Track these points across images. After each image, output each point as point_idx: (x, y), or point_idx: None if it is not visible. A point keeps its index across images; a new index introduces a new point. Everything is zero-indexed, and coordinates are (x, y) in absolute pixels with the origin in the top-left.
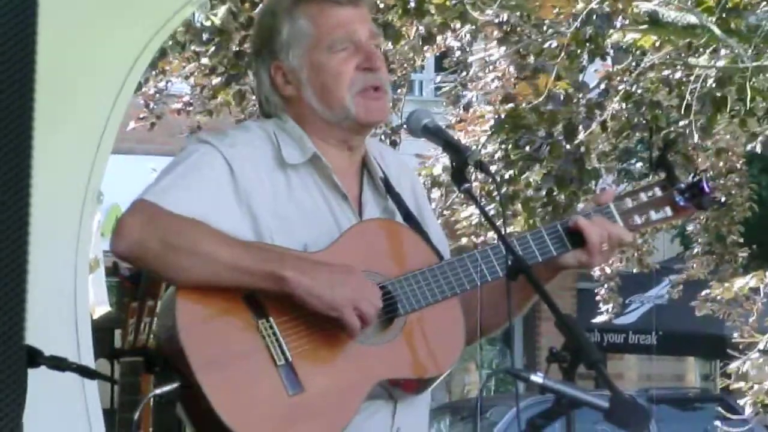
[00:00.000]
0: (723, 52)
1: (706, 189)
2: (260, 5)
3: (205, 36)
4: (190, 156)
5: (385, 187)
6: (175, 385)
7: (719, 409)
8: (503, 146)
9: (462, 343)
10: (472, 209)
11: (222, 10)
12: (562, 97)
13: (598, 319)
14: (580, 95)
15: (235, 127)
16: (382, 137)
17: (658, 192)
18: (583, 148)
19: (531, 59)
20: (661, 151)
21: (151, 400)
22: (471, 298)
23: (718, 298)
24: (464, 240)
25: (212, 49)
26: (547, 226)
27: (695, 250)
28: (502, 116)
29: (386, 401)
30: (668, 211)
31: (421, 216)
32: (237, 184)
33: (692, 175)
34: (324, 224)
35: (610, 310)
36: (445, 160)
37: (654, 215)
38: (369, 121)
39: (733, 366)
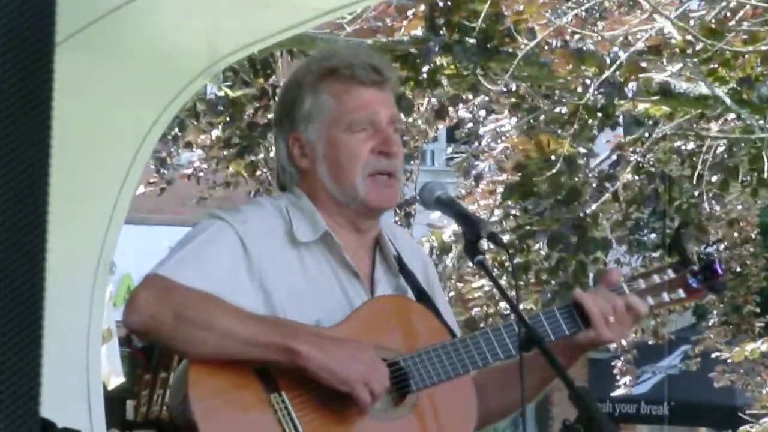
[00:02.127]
0: (734, 121)
1: (719, 271)
2: (273, 76)
3: (218, 107)
4: (203, 232)
5: (399, 265)
6: None
7: None
8: (512, 214)
9: (474, 420)
10: (484, 280)
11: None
12: (564, 159)
13: (617, 393)
14: (591, 163)
15: (248, 203)
16: (397, 209)
17: (671, 274)
18: (589, 219)
19: (542, 128)
20: (674, 230)
21: None
22: (483, 383)
23: (729, 361)
24: (475, 310)
25: (225, 120)
26: (559, 305)
27: (711, 321)
28: (512, 184)
29: None
30: (681, 293)
31: (433, 297)
32: (250, 261)
33: (705, 246)
34: (336, 301)
35: (627, 383)
36: (454, 226)
37: (666, 297)
38: (377, 206)
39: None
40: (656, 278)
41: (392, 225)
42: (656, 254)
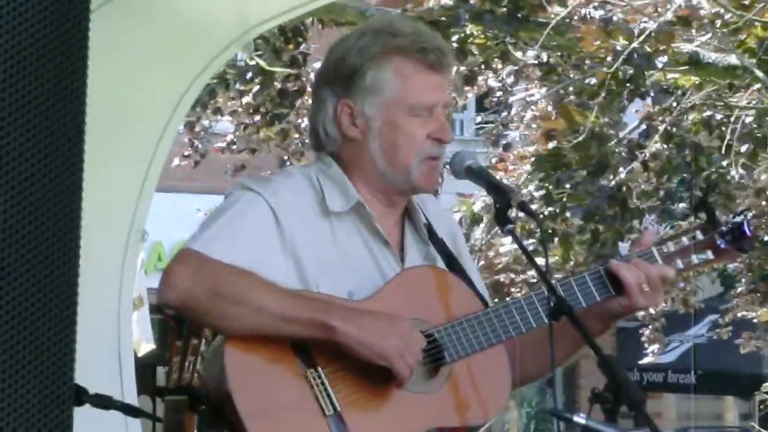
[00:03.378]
0: (764, 92)
1: (748, 232)
2: (303, 44)
3: (248, 75)
4: (235, 204)
5: (428, 233)
6: None
7: None
8: (544, 184)
9: (508, 390)
10: (512, 245)
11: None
12: (593, 132)
13: (644, 361)
14: (620, 133)
15: (278, 172)
16: None
17: (699, 235)
18: (624, 188)
19: (571, 98)
20: (702, 193)
21: None
22: (513, 346)
23: (756, 335)
24: (502, 276)
25: (256, 88)
26: (590, 270)
27: (739, 289)
28: (543, 155)
29: None
30: (710, 254)
31: (463, 264)
32: (282, 232)
33: (733, 216)
34: (367, 271)
35: (655, 351)
36: (485, 198)
37: (695, 259)
38: (426, 188)
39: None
40: (685, 240)
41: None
42: (684, 223)
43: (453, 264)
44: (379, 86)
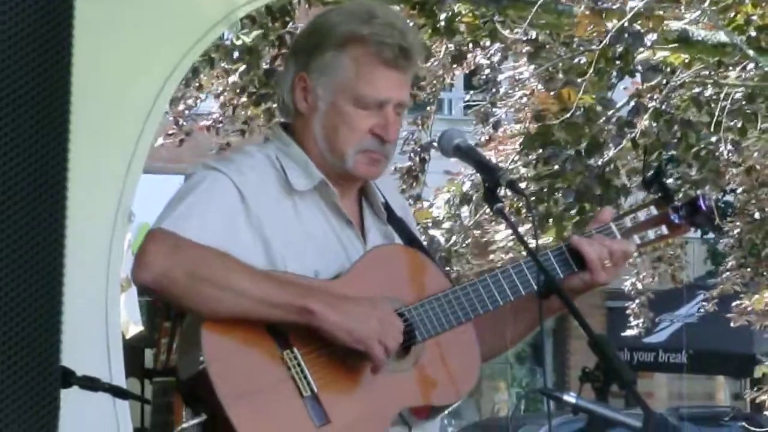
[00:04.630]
0: (753, 69)
1: (703, 207)
2: (291, 23)
3: (235, 55)
4: (200, 183)
5: (387, 212)
6: (202, 418)
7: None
8: (533, 163)
9: (478, 369)
10: (506, 232)
11: (253, 33)
12: (582, 109)
13: (628, 333)
14: (608, 112)
15: (237, 152)
16: (411, 155)
17: (653, 211)
18: (612, 165)
19: (560, 76)
20: (656, 169)
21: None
22: (479, 327)
23: (749, 309)
24: (492, 256)
25: (242, 68)
26: (552, 248)
27: (729, 264)
28: (532, 134)
29: (402, 428)
30: (664, 229)
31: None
32: (249, 211)
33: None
34: (332, 250)
35: (640, 325)
36: (474, 177)
37: (651, 234)
38: (362, 176)
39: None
40: (640, 216)
41: None
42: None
43: (413, 242)
44: (333, 69)
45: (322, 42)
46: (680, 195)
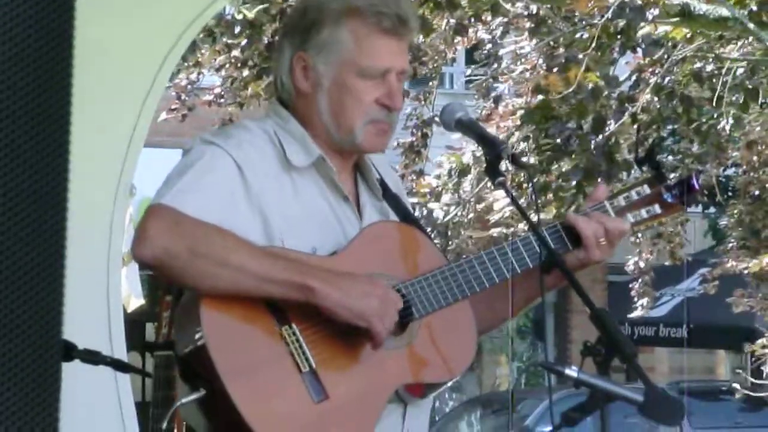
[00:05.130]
0: (755, 44)
1: (696, 186)
2: None
3: (236, 29)
4: (200, 158)
5: (382, 188)
6: (201, 393)
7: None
8: (533, 136)
9: (475, 346)
10: (504, 202)
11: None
12: (590, 88)
13: (634, 315)
14: (611, 89)
15: (235, 126)
16: (414, 130)
17: (646, 189)
18: (613, 140)
19: (561, 51)
20: (649, 148)
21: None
22: (474, 300)
23: (748, 292)
24: (495, 231)
25: (243, 42)
26: (548, 225)
27: (729, 244)
28: (532, 107)
29: (397, 404)
30: (657, 208)
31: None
32: (248, 187)
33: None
34: (329, 227)
35: (645, 304)
36: (473, 148)
37: (644, 213)
38: (371, 150)
39: (759, 342)
40: (633, 194)
41: None
42: (674, 175)
43: (409, 219)
44: (333, 44)
45: (317, 19)
46: (682, 170)
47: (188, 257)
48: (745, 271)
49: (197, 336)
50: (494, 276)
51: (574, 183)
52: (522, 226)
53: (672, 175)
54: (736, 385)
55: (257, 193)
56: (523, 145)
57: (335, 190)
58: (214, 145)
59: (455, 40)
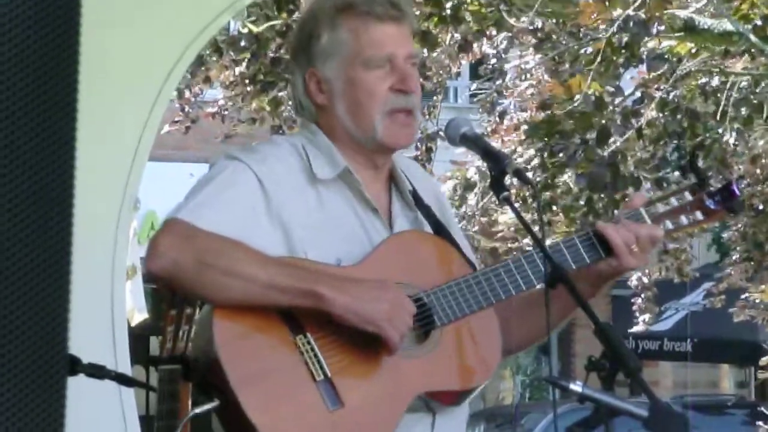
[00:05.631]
0: (759, 58)
1: (736, 192)
2: (297, 12)
3: (241, 43)
4: (221, 173)
5: (414, 199)
6: (214, 404)
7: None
8: (539, 153)
9: (499, 354)
10: (510, 215)
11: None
12: (593, 99)
13: (635, 329)
14: (615, 100)
15: (264, 142)
16: (418, 144)
17: (688, 196)
18: (619, 156)
19: (566, 66)
20: (691, 155)
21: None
22: (506, 315)
23: (757, 301)
24: (499, 244)
25: (249, 56)
26: (579, 233)
27: (733, 258)
28: (537, 122)
29: (425, 413)
30: (699, 215)
31: (449, 228)
32: (269, 200)
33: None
34: (356, 238)
35: (646, 320)
36: (478, 163)
37: (684, 219)
38: (394, 145)
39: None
40: (674, 201)
41: (403, 158)
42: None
43: (440, 230)
44: (334, 47)
45: (313, 28)
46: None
47: (197, 269)
48: (756, 299)
49: (210, 346)
50: (521, 283)
51: (583, 201)
52: (527, 240)
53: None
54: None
55: (278, 207)
56: (527, 156)
57: (363, 202)
58: (236, 160)
59: (459, 55)
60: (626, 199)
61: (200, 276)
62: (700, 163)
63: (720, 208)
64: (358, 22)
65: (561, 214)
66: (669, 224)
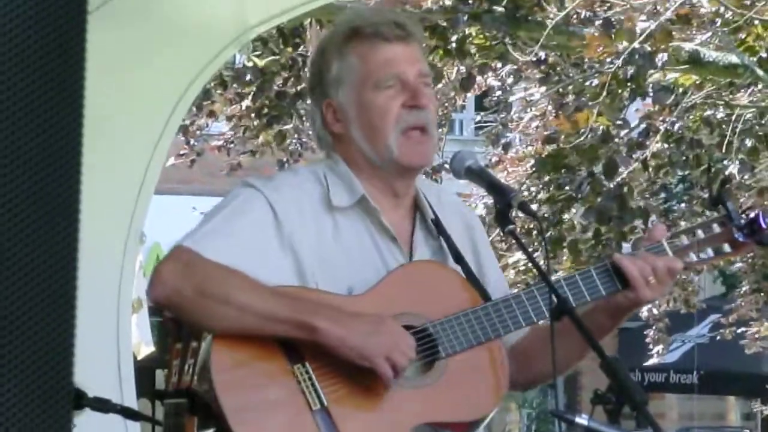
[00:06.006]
0: (765, 90)
1: (763, 225)
2: (302, 46)
3: (247, 77)
4: (233, 201)
5: (436, 228)
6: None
7: None
8: (546, 187)
9: (503, 387)
10: (519, 254)
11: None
12: (600, 132)
13: (649, 362)
14: (622, 132)
15: (286, 170)
16: (423, 176)
17: (716, 229)
18: (626, 188)
19: (571, 98)
20: (720, 188)
21: None
22: (530, 346)
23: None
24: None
25: (254, 90)
26: (597, 265)
27: (742, 290)
28: (544, 156)
29: None
30: (727, 247)
31: (478, 256)
32: (281, 228)
33: (742, 212)
34: (372, 267)
35: (660, 351)
36: (487, 200)
37: (711, 252)
38: (411, 164)
39: None
40: (700, 233)
41: (436, 187)
42: (687, 223)
43: (459, 260)
44: (345, 74)
45: (324, 60)
46: (693, 217)
47: (195, 297)
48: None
49: (208, 374)
50: (532, 315)
51: (590, 234)
52: (533, 272)
53: (683, 223)
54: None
55: (290, 235)
56: (538, 195)
57: (383, 231)
58: (251, 188)
59: (464, 88)
60: (635, 231)
61: (199, 304)
62: (706, 195)
63: (749, 240)
64: (366, 45)
65: (566, 249)
66: (693, 256)
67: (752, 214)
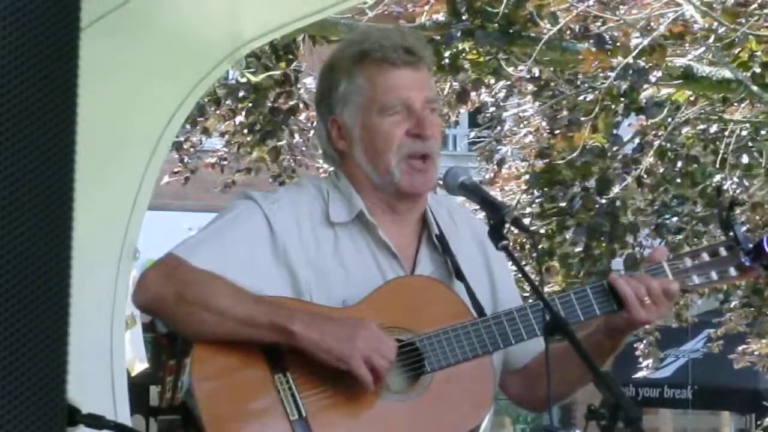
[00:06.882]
0: (757, 105)
1: (766, 249)
2: (295, 62)
3: (240, 93)
4: (230, 212)
5: (441, 244)
6: None
7: None
8: (538, 201)
9: (487, 404)
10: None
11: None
12: (595, 150)
13: (639, 375)
14: (615, 149)
15: (290, 184)
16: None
17: (722, 252)
18: (618, 203)
19: (564, 113)
20: (728, 210)
21: None
22: (538, 367)
23: (756, 353)
24: None
25: (248, 106)
26: (593, 284)
27: (732, 304)
28: (537, 171)
29: None
30: (732, 271)
31: (491, 273)
32: (275, 241)
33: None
34: (369, 281)
35: (650, 365)
36: (480, 216)
37: (715, 275)
38: (412, 191)
39: None
40: (705, 256)
41: (449, 202)
42: (679, 236)
43: (461, 277)
44: (352, 94)
45: (332, 78)
46: (687, 232)
47: (175, 302)
48: (754, 352)
49: (188, 384)
50: (522, 332)
51: (581, 248)
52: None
53: (677, 237)
54: None
55: (285, 247)
56: (530, 208)
57: (382, 247)
58: (249, 200)
59: (458, 104)
60: (625, 247)
61: (179, 310)
62: (699, 210)
63: (756, 265)
64: (374, 69)
65: (557, 263)
66: (695, 279)
67: (758, 241)
